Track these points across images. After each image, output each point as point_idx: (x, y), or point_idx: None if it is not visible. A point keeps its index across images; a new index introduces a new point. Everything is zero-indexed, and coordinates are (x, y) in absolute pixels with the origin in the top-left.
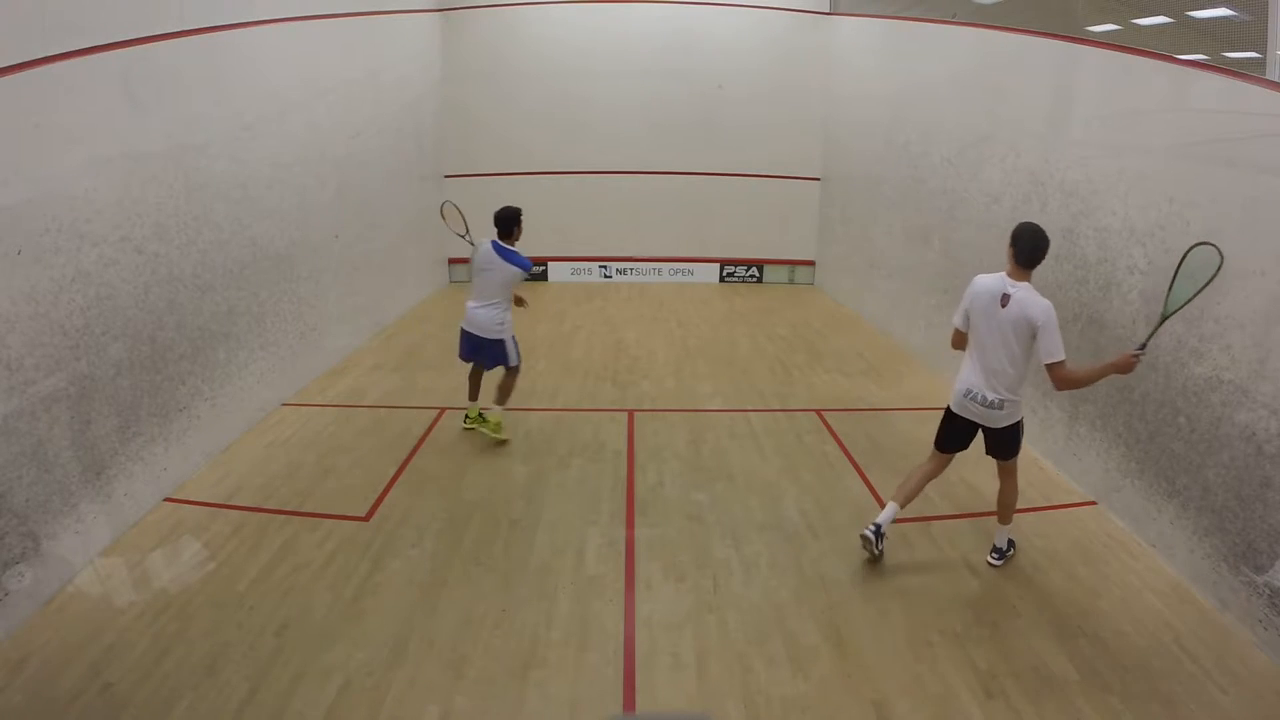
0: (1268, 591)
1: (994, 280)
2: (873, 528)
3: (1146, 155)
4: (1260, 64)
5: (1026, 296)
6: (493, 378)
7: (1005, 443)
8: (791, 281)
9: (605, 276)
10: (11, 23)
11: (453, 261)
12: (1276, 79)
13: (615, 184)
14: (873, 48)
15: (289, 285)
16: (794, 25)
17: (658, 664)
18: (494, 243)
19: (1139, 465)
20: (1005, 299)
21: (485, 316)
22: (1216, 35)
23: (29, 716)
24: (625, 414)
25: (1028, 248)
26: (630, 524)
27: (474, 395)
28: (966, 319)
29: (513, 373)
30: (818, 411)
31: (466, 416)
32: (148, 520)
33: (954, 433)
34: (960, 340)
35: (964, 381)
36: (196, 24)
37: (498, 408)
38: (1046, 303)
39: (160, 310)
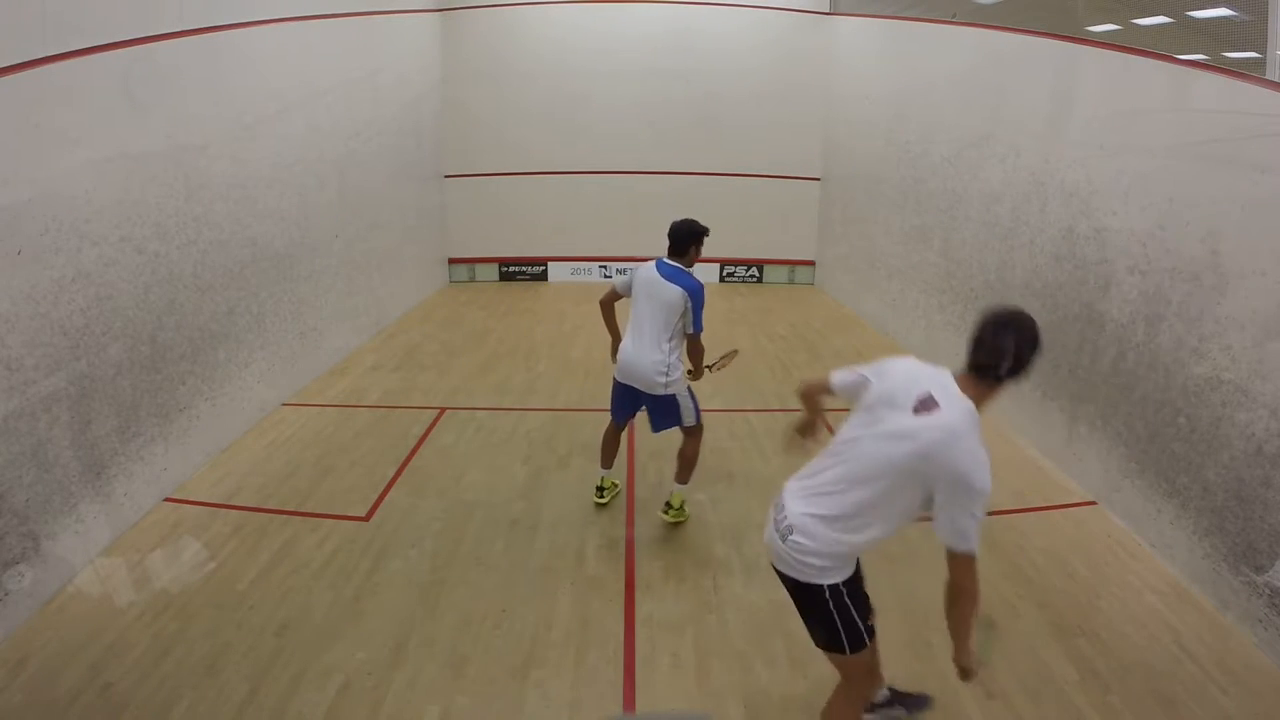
0: (1268, 591)
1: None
2: None
3: (1146, 155)
4: (1260, 64)
5: None
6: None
7: None
8: (791, 281)
9: (605, 276)
10: (11, 23)
11: (453, 261)
12: (1276, 79)
13: (615, 184)
14: (873, 48)
15: (289, 285)
16: (794, 25)
17: (658, 664)
18: (660, 261)
19: (1139, 465)
20: None
21: (644, 363)
22: (1216, 35)
23: (29, 716)
24: None
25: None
26: (630, 524)
27: (608, 461)
28: None
29: (693, 434)
30: None
31: (600, 489)
32: (148, 520)
33: None
34: None
35: None
36: (196, 24)
37: (679, 486)
38: None
39: (160, 310)
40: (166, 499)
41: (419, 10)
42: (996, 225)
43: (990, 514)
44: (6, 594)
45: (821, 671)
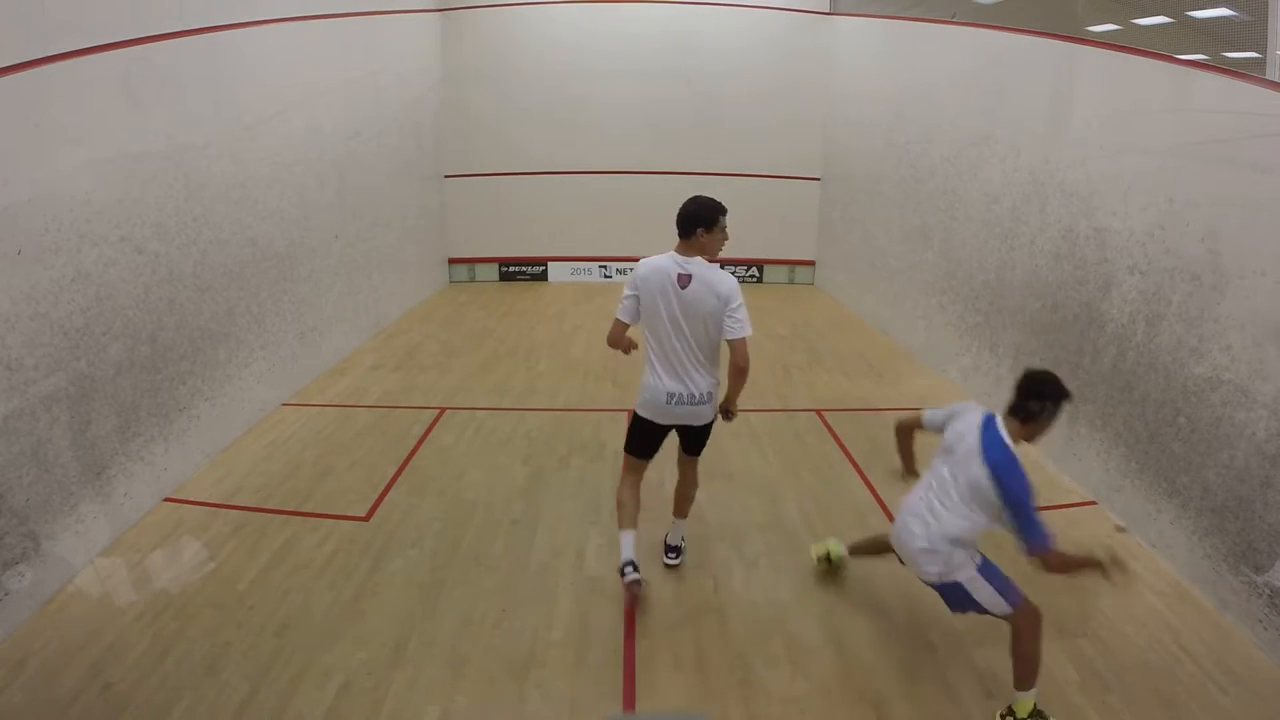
0: (1268, 591)
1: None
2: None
3: (1146, 155)
4: (1260, 64)
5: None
6: None
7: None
8: (791, 281)
9: (605, 276)
10: (11, 23)
11: (453, 261)
12: (1276, 79)
13: (615, 184)
14: (873, 48)
15: (289, 285)
16: (794, 25)
17: (658, 664)
18: (987, 417)
19: (1139, 465)
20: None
21: (938, 541)
22: (1216, 35)
23: (29, 716)
24: (625, 414)
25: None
26: None
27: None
28: None
29: (1019, 633)
30: (818, 411)
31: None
32: (148, 520)
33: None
34: None
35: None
36: (196, 24)
37: (1020, 693)
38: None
39: (160, 310)
40: (166, 499)
41: (419, 10)
42: (996, 225)
43: None
44: (6, 594)
45: (822, 672)
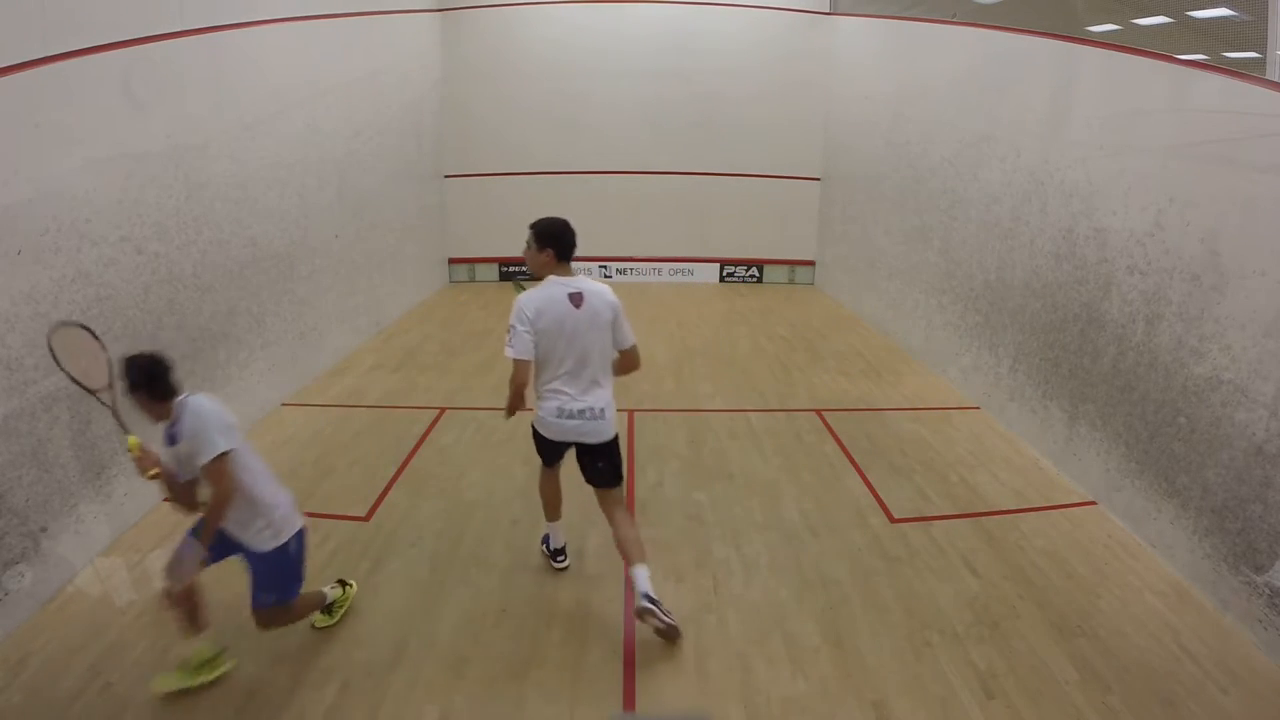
0: (1268, 591)
1: (556, 288)
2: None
3: (1146, 155)
4: (1260, 64)
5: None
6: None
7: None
8: (791, 282)
9: (605, 276)
10: (11, 23)
11: (453, 261)
12: (1276, 79)
13: (615, 184)
14: (873, 48)
15: (289, 285)
16: (794, 25)
17: (658, 664)
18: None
19: (1139, 465)
20: (578, 298)
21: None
22: (1216, 35)
23: (29, 716)
24: (625, 414)
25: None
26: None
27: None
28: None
29: None
30: (818, 411)
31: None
32: (148, 520)
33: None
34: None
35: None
36: (197, 24)
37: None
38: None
39: (160, 310)
40: (166, 499)
41: (419, 10)
42: (996, 225)
43: (990, 514)
44: (6, 594)
45: (822, 672)
